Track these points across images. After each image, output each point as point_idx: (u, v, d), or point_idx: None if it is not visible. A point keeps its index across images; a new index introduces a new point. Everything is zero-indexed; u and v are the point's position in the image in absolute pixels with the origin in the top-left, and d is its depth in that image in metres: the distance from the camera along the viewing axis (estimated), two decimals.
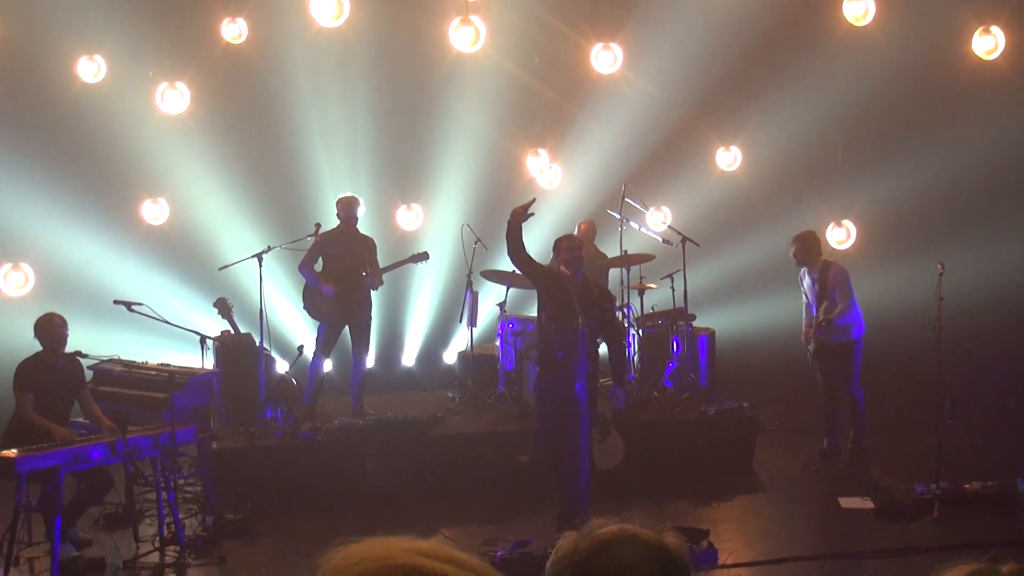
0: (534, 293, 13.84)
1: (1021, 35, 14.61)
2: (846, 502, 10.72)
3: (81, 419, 10.35)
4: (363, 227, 12.98)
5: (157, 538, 9.61)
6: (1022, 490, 10.62)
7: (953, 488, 10.46)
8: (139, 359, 11.53)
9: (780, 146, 15.41)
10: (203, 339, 11.43)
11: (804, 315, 12.59)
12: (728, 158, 15.84)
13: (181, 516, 9.79)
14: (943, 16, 14.55)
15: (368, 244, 12.84)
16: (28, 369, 9.80)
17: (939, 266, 10.71)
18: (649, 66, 15.22)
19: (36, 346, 9.97)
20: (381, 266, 12.81)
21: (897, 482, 11.07)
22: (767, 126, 15.45)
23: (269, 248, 12.35)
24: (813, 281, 12.25)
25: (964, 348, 12.02)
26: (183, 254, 14.73)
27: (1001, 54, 14.50)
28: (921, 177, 14.68)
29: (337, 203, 12.82)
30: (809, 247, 12.36)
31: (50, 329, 9.89)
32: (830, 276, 12.11)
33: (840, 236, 15.44)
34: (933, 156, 14.65)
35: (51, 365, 9.87)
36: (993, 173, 14.59)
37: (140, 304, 10.50)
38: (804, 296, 12.53)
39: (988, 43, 14.53)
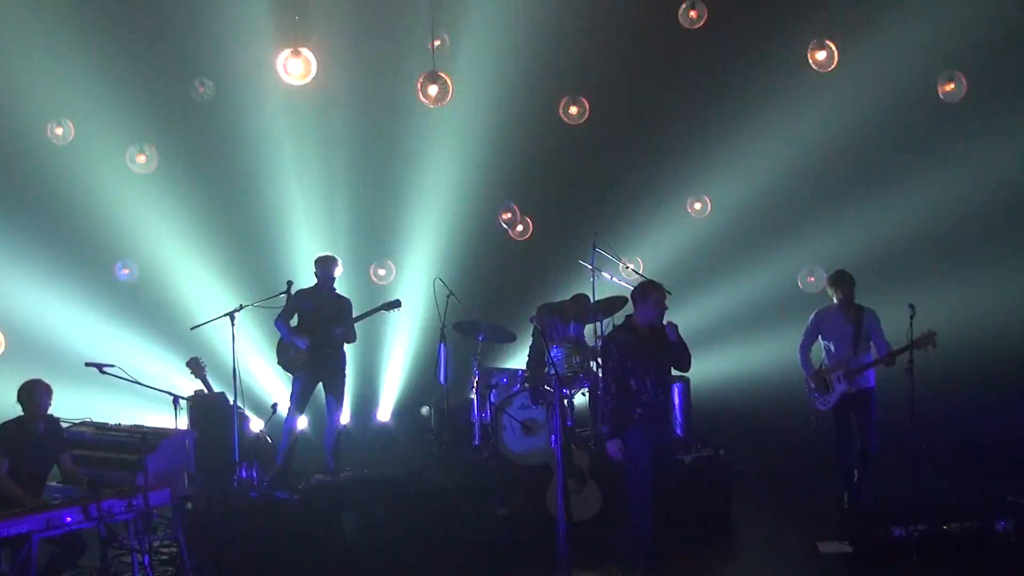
0: (508, 345, 13.91)
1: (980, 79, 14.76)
2: (825, 547, 10.64)
3: (55, 483, 10.21)
4: (338, 282, 12.92)
5: None
6: (1000, 531, 10.60)
7: (932, 530, 10.41)
8: (112, 421, 11.40)
9: (750, 193, 15.49)
10: (176, 399, 11.32)
11: (824, 360, 11.81)
12: (699, 206, 15.90)
13: None
14: (908, 58, 14.67)
15: (343, 303, 12.79)
16: (5, 433, 9.68)
17: (909, 308, 10.71)
18: (618, 117, 15.28)
19: (9, 410, 9.86)
20: (354, 315, 12.75)
21: (875, 525, 11.02)
22: (737, 173, 15.53)
23: (241, 306, 12.26)
24: (848, 322, 11.60)
25: (938, 389, 12.00)
26: (155, 314, 14.69)
27: (963, 97, 14.62)
28: (890, 220, 14.78)
29: (315, 262, 12.77)
30: (854, 287, 11.76)
31: (33, 396, 9.77)
32: (866, 318, 11.52)
33: (812, 281, 15.47)
34: (902, 199, 14.75)
35: (31, 431, 9.75)
36: (964, 213, 14.67)
37: (112, 365, 10.38)
38: (811, 339, 11.85)
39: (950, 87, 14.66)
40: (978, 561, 10.07)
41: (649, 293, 9.67)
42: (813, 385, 11.70)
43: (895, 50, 14.71)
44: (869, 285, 11.97)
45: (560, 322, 13.25)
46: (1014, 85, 14.97)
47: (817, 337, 11.82)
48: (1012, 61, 14.83)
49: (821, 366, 11.70)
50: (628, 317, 9.80)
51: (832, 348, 11.71)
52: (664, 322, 9.64)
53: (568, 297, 13.37)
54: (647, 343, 9.54)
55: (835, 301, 11.70)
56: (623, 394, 9.46)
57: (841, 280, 11.68)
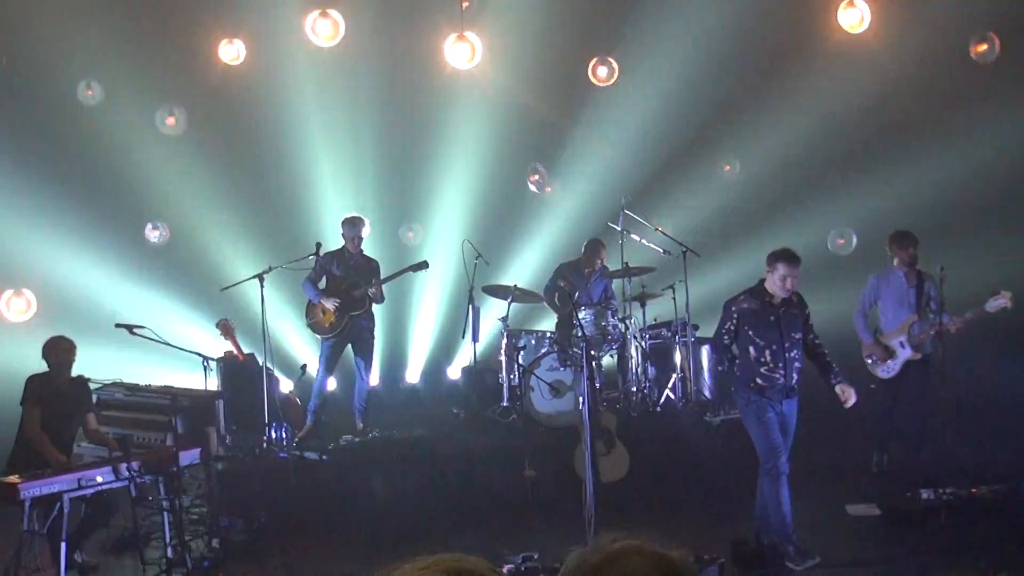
0: (535, 307, 13.90)
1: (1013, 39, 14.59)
2: (853, 509, 10.62)
3: (86, 443, 10.26)
4: (367, 242, 12.90)
5: (164, 561, 9.50)
6: None
7: (960, 493, 10.35)
8: (142, 382, 11.44)
9: (779, 155, 15.39)
10: (206, 360, 11.36)
11: (881, 326, 11.63)
12: (729, 168, 15.83)
13: (187, 538, 9.69)
14: (940, 22, 14.50)
15: (372, 265, 12.78)
16: (35, 383, 9.75)
17: (940, 270, 10.61)
18: (646, 80, 15.20)
19: (41, 369, 9.92)
20: (382, 276, 12.75)
21: (903, 488, 10.97)
22: (766, 136, 15.43)
23: (271, 268, 12.27)
24: (911, 286, 11.36)
25: (965, 351, 11.90)
26: (185, 276, 14.73)
27: (996, 58, 14.47)
28: (921, 183, 14.65)
29: (342, 223, 12.77)
30: (917, 248, 11.46)
31: (56, 352, 9.83)
32: (929, 283, 11.21)
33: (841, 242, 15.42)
34: (933, 162, 14.62)
35: (55, 386, 9.81)
36: (994, 176, 14.53)
37: (142, 327, 10.40)
38: (871, 304, 11.62)
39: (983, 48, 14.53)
40: (1007, 523, 9.99)
41: (776, 264, 9.08)
42: (873, 352, 11.56)
43: (927, 10, 14.53)
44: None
45: (581, 278, 13.27)
46: None
47: (876, 302, 11.66)
48: None
49: (876, 332, 11.58)
50: (761, 281, 9.30)
51: (890, 313, 11.52)
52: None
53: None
54: (773, 312, 9.16)
55: (896, 263, 11.49)
56: (741, 360, 9.24)
57: (905, 241, 11.44)
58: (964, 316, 10.97)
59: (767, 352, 9.09)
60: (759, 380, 9.13)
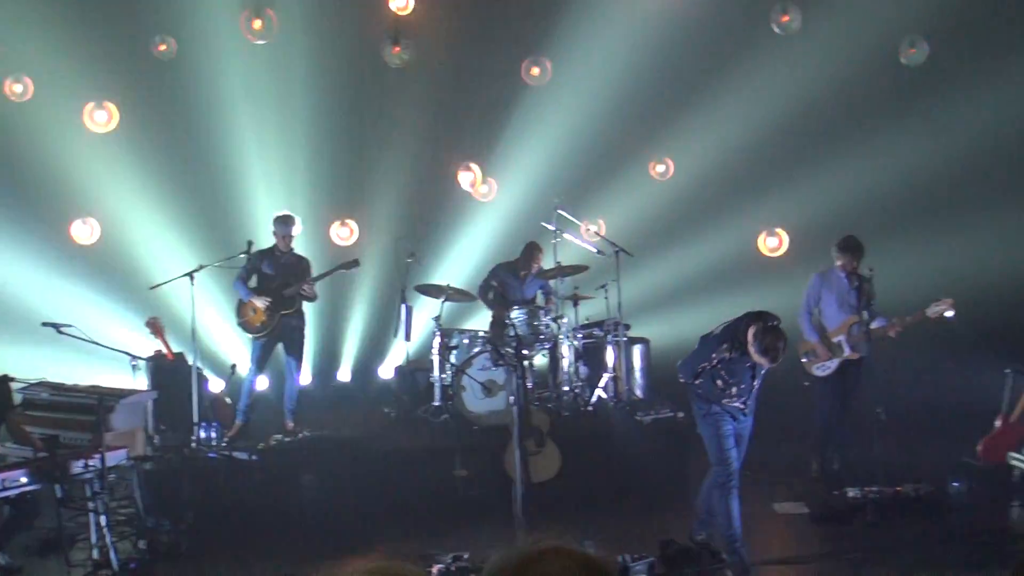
0: (469, 306, 13.91)
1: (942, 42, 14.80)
2: (781, 508, 10.73)
3: (10, 443, 10.12)
4: (298, 242, 12.84)
5: (89, 562, 9.41)
6: (953, 491, 10.71)
7: (886, 491, 10.49)
8: (69, 381, 11.31)
9: (712, 155, 15.50)
10: (134, 359, 11.26)
11: (826, 322, 11.70)
12: (661, 168, 15.91)
13: (114, 539, 9.59)
14: (872, 21, 14.66)
15: (303, 263, 12.73)
16: None
17: (869, 270, 10.73)
18: (580, 78, 15.24)
19: None
20: (313, 274, 12.69)
21: (831, 487, 11.10)
22: (699, 135, 15.52)
23: (201, 266, 12.20)
24: (852, 287, 11.48)
25: (894, 352, 12.06)
26: (114, 273, 14.57)
27: (925, 61, 14.70)
28: (851, 183, 14.81)
29: (273, 222, 12.73)
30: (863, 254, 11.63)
31: None
32: (868, 285, 11.33)
33: (773, 244, 15.56)
34: (863, 163, 14.79)
35: None
36: (925, 177, 14.70)
37: (69, 326, 10.30)
38: (815, 303, 11.72)
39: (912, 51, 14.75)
40: (930, 521, 10.16)
41: (755, 351, 8.80)
42: (817, 350, 11.66)
43: (859, 13, 14.69)
44: (829, 248, 11.95)
45: (516, 279, 13.32)
46: (975, 49, 14.99)
47: (819, 301, 11.78)
48: (973, 25, 14.84)
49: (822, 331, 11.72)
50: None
51: (832, 313, 11.65)
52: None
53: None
54: (750, 361, 8.95)
55: (840, 265, 11.60)
56: (706, 380, 9.13)
57: (853, 246, 11.58)
58: (904, 319, 11.16)
59: (734, 388, 9.10)
60: (721, 403, 9.15)
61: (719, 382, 9.07)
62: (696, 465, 11.63)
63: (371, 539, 10.17)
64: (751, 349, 8.79)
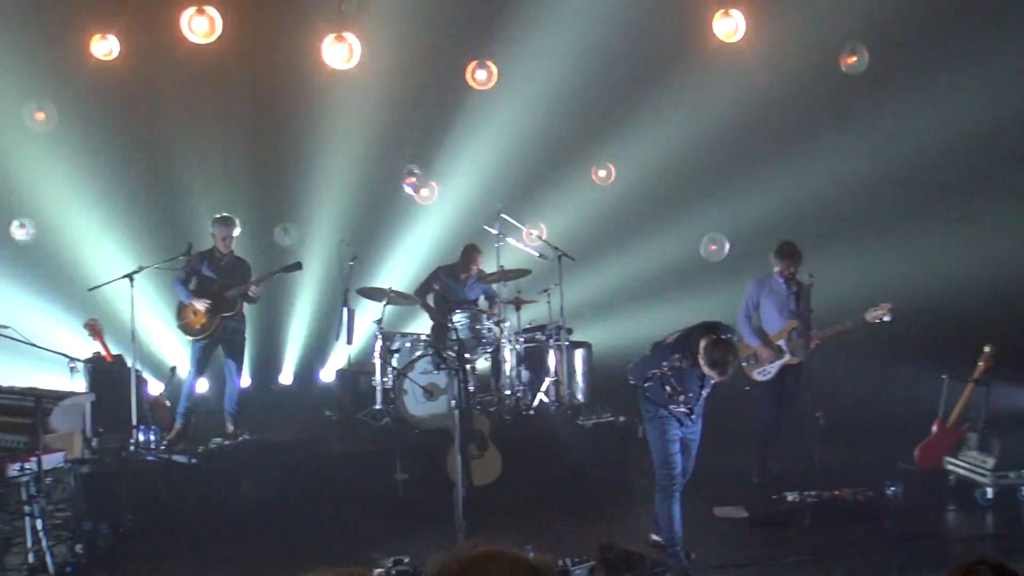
0: (411, 309, 13.90)
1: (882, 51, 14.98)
2: (720, 511, 10.80)
3: None
4: (240, 245, 12.79)
5: (25, 567, 9.32)
6: (890, 495, 10.85)
7: (824, 495, 10.61)
8: (5, 383, 11.20)
9: (654, 161, 15.59)
10: (72, 361, 11.18)
11: (764, 327, 11.89)
12: (603, 173, 16.00)
13: (50, 543, 9.51)
14: (812, 34, 14.81)
15: (243, 266, 12.69)
16: None
17: (808, 277, 10.85)
18: (524, 82, 15.27)
19: None
20: (254, 277, 12.65)
21: (769, 491, 11.21)
22: (642, 140, 15.60)
23: (141, 268, 12.12)
24: (791, 293, 11.71)
25: (834, 357, 12.19)
26: (52, 275, 14.42)
27: (865, 70, 14.87)
28: (792, 190, 14.93)
29: (213, 223, 12.67)
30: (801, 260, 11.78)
31: None
32: (806, 291, 11.44)
33: (713, 249, 15.70)
34: (805, 169, 14.93)
35: None
36: (865, 185, 14.86)
37: (6, 327, 10.22)
38: (754, 307, 11.91)
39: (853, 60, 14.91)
40: (868, 525, 10.30)
41: (704, 357, 8.84)
42: (759, 354, 11.77)
43: (800, 21, 14.83)
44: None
45: (456, 282, 13.36)
46: (914, 57, 15.17)
47: (757, 306, 11.90)
48: (912, 33, 15.02)
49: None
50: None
51: (771, 318, 11.81)
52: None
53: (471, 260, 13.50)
54: (700, 373, 9.04)
55: (778, 271, 11.76)
56: (655, 385, 9.22)
57: (791, 252, 11.72)
58: (844, 323, 11.32)
59: (682, 397, 9.15)
60: (668, 408, 9.20)
61: (667, 388, 9.12)
62: (638, 469, 11.74)
63: (311, 543, 10.15)
64: (701, 361, 8.86)
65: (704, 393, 9.22)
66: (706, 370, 8.88)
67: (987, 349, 11.78)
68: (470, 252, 13.51)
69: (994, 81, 14.57)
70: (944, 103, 14.70)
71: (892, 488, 10.93)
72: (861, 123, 15.13)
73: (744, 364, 11.80)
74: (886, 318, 11.18)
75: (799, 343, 11.53)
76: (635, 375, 9.34)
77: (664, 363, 9.14)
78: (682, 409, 9.15)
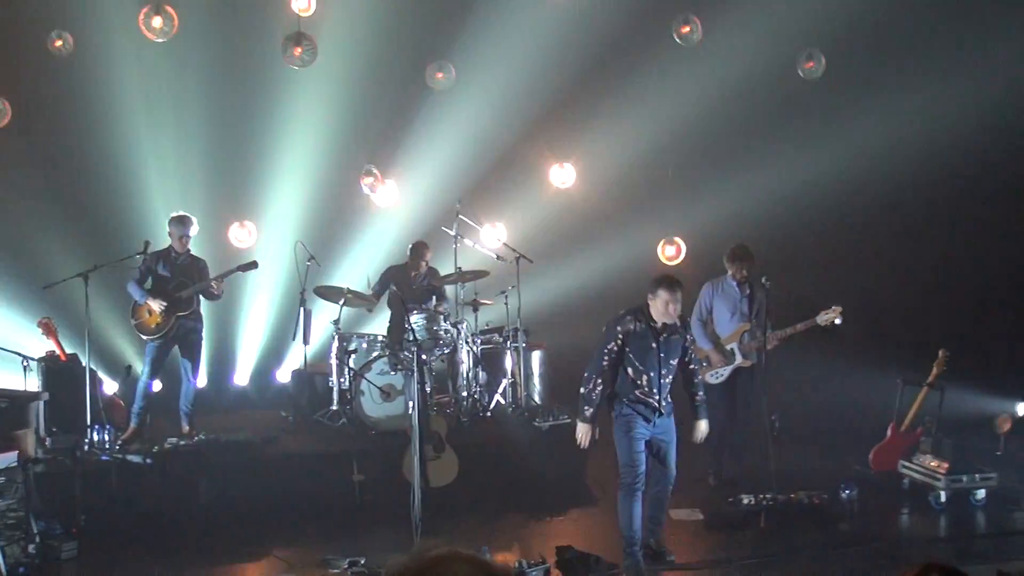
0: (367, 310, 13.87)
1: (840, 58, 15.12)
2: (676, 514, 10.87)
3: None
4: (195, 244, 12.74)
5: None
6: (845, 498, 10.96)
7: (780, 498, 10.70)
8: None
9: (613, 163, 15.66)
10: (26, 360, 11.12)
11: (718, 330, 11.93)
12: (562, 175, 16.04)
13: (2, 543, 9.47)
14: (771, 34, 14.91)
15: (200, 265, 12.65)
16: None
17: (763, 281, 10.93)
18: (483, 83, 15.30)
19: None
20: (211, 276, 12.61)
21: (726, 493, 11.30)
22: (600, 143, 15.68)
23: (96, 266, 12.06)
24: (744, 296, 11.80)
25: (790, 361, 12.28)
26: (5, 273, 14.31)
27: (823, 75, 15.01)
28: (750, 193, 15.03)
29: (169, 222, 12.60)
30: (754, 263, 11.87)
31: None
32: (760, 294, 11.46)
33: (671, 252, 15.76)
34: (761, 173, 15.03)
35: None
36: (819, 190, 14.96)
37: None
38: (707, 311, 11.95)
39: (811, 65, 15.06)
40: (823, 528, 10.40)
41: (657, 291, 9.13)
42: (711, 358, 11.83)
43: (757, 28, 14.93)
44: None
45: (408, 281, 13.39)
46: (872, 63, 15.32)
47: (711, 309, 11.97)
48: (869, 39, 15.17)
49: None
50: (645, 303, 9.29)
51: (724, 321, 11.89)
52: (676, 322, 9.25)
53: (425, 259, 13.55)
54: (655, 338, 9.21)
55: (731, 274, 11.85)
56: (611, 380, 9.32)
57: (743, 255, 11.81)
58: (795, 326, 11.42)
59: (644, 377, 9.20)
60: (632, 398, 9.26)
61: (630, 370, 9.21)
62: (595, 471, 11.80)
63: (267, 543, 10.16)
64: (651, 301, 9.09)
65: (665, 374, 9.25)
66: (658, 305, 9.07)
67: (941, 353, 11.90)
68: (418, 248, 13.58)
69: (950, 90, 14.72)
70: (899, 110, 14.86)
71: (847, 491, 11.06)
72: (818, 128, 15.24)
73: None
74: (837, 321, 11.29)
75: (751, 346, 11.64)
76: (592, 368, 9.36)
77: (618, 329, 9.21)
78: (651, 400, 9.22)
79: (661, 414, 9.29)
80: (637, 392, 9.21)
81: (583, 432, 9.46)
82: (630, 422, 9.24)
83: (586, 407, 9.35)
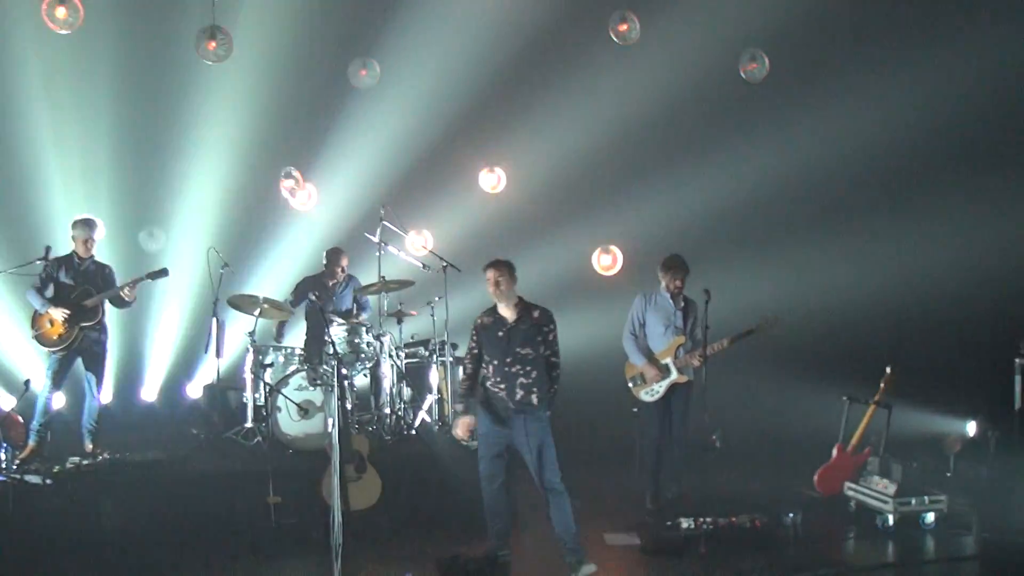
0: (284, 322, 13.76)
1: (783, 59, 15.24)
2: (611, 539, 10.85)
3: None
4: (101, 250, 12.58)
5: None
6: (789, 522, 11.00)
7: (720, 522, 10.71)
8: None
9: (546, 167, 15.68)
10: None
11: (651, 344, 11.88)
12: (492, 179, 16.04)
13: None
14: (712, 35, 15.00)
15: (105, 271, 12.48)
16: None
17: (704, 293, 10.93)
18: (409, 82, 15.26)
19: None
20: (117, 283, 12.44)
21: (663, 517, 11.30)
22: (533, 146, 15.69)
23: None
24: (678, 308, 11.80)
25: (731, 376, 12.32)
26: None
27: (765, 77, 15.13)
28: (689, 199, 15.10)
29: (72, 226, 12.41)
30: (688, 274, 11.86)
31: None
32: (693, 306, 11.69)
33: (607, 262, 15.78)
34: (703, 178, 15.10)
35: None
36: (762, 196, 15.07)
37: None
38: (639, 324, 11.91)
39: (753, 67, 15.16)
40: (765, 553, 10.41)
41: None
42: (644, 373, 11.82)
43: (698, 27, 15.02)
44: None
45: (326, 291, 13.33)
46: (814, 65, 15.45)
47: (643, 322, 11.93)
48: (812, 42, 15.30)
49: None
50: None
51: (658, 335, 11.83)
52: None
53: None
54: (502, 328, 9.69)
55: (664, 285, 11.82)
56: (474, 375, 9.84)
57: (678, 266, 11.77)
58: (730, 338, 11.44)
59: (491, 366, 9.66)
60: (487, 392, 9.69)
61: (484, 363, 9.77)
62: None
63: (176, 572, 10.02)
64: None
65: (508, 359, 9.56)
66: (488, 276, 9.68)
67: (888, 370, 11.98)
68: (333, 255, 13.59)
69: (893, 92, 14.89)
70: (843, 115, 15.01)
71: (791, 515, 11.07)
72: (759, 132, 15.37)
73: (631, 385, 11.89)
74: (774, 330, 11.33)
75: (686, 361, 11.65)
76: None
77: (473, 327, 9.86)
78: (500, 393, 9.56)
79: (518, 411, 9.56)
80: (488, 383, 9.71)
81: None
82: (480, 421, 9.77)
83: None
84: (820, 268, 15.43)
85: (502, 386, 9.57)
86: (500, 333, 9.62)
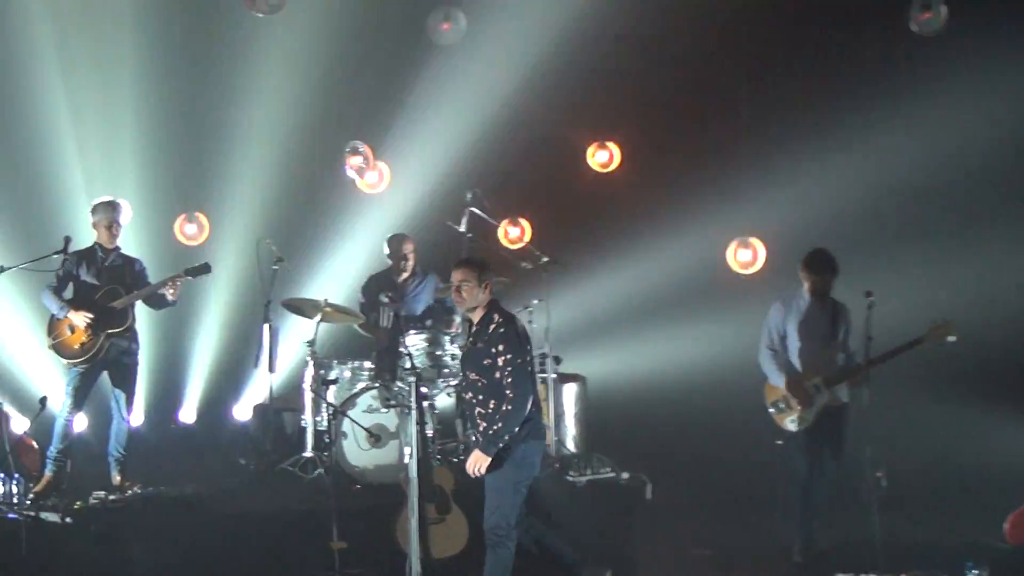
0: (351, 328, 13.80)
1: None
2: None
3: None
4: (130, 242, 12.70)
5: None
6: None
7: None
8: None
9: (669, 142, 15.60)
10: None
11: (793, 360, 11.62)
12: (603, 156, 15.97)
13: None
14: None
15: (135, 266, 12.57)
16: None
17: (867, 295, 10.77)
18: (502, 38, 15.27)
19: None
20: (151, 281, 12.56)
21: (817, 572, 11.18)
22: (652, 118, 15.62)
23: (3, 269, 12.03)
24: (824, 314, 11.51)
25: (898, 400, 12.18)
26: None
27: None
28: (844, 183, 14.96)
29: (93, 210, 12.52)
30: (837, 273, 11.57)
31: None
32: (843, 314, 11.42)
33: (746, 258, 15.64)
34: (860, 154, 14.97)
35: None
36: (934, 178, 14.91)
37: None
38: (779, 337, 11.67)
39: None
40: None
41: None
42: (785, 399, 11.60)
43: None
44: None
45: (396, 290, 13.27)
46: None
47: (783, 334, 11.74)
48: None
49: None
50: None
51: (800, 349, 11.59)
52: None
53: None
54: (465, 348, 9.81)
55: (807, 288, 11.57)
56: None
57: (823, 263, 11.49)
58: (895, 349, 11.24)
59: (464, 382, 9.82)
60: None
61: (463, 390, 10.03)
62: (645, 541, 11.69)
63: None
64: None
65: (464, 383, 9.74)
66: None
67: None
68: (394, 243, 13.51)
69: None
70: None
71: (975, 571, 10.92)
72: (932, 100, 15.16)
73: (771, 411, 11.69)
74: (950, 338, 11.09)
75: (839, 378, 11.41)
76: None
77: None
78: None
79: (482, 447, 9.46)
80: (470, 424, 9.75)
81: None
82: None
83: None
84: (1011, 264, 15.16)
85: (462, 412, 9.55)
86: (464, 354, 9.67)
